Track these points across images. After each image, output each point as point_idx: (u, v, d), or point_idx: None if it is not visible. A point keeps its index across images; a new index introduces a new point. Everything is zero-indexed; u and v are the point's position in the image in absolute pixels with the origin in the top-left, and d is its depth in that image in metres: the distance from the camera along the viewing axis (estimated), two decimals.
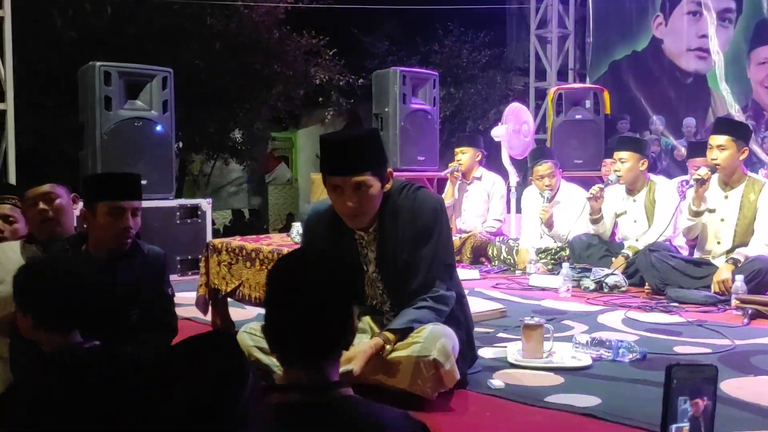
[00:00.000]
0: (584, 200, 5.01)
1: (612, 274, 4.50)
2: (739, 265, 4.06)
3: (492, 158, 6.36)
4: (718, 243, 4.33)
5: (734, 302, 3.82)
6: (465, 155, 5.91)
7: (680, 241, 4.77)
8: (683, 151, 8.32)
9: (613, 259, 4.75)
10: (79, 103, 5.34)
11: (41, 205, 3.06)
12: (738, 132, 4.29)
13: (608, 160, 5.95)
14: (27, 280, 1.93)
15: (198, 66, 10.14)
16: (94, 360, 1.87)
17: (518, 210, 5.97)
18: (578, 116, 7.30)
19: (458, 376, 2.35)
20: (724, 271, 4.06)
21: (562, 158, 6.26)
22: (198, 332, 1.27)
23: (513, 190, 6.38)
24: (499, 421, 2.24)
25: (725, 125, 4.46)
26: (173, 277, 4.17)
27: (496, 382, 2.56)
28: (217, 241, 3.84)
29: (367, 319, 2.59)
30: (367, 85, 8.29)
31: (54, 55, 9.21)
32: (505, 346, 3.01)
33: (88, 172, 5.05)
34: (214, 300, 3.72)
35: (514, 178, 6.42)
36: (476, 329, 2.80)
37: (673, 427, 1.35)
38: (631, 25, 9.23)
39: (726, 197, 4.30)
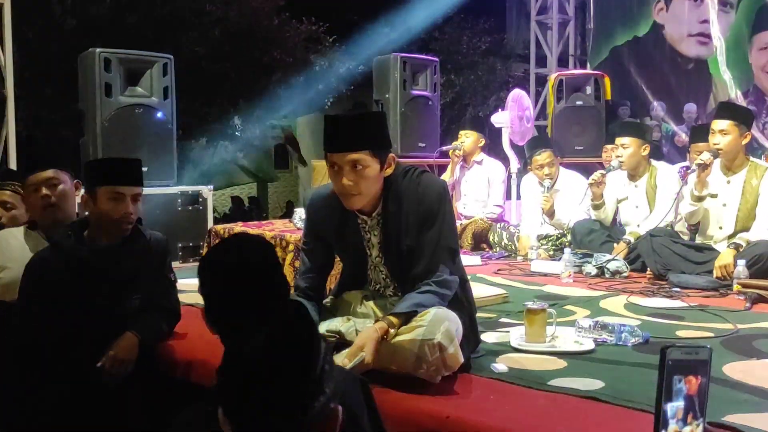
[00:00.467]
0: (584, 187, 5.00)
1: (614, 259, 4.50)
2: (741, 250, 4.06)
3: (492, 145, 6.35)
4: (720, 228, 4.33)
5: (736, 287, 3.82)
6: (469, 138, 5.91)
7: (681, 227, 4.76)
8: (684, 137, 8.31)
9: (615, 244, 4.75)
10: (79, 90, 5.32)
11: (44, 191, 3.06)
12: (740, 116, 4.28)
13: (609, 146, 5.94)
14: None
15: (198, 53, 10.11)
16: None
17: (518, 197, 5.97)
18: (579, 102, 7.27)
19: (462, 360, 2.35)
20: (725, 256, 4.06)
21: (563, 145, 6.25)
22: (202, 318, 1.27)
23: (513, 176, 6.38)
24: (503, 405, 2.24)
25: (728, 110, 4.45)
26: (175, 264, 4.17)
27: (500, 366, 2.56)
28: (219, 227, 3.85)
29: (370, 304, 2.60)
30: (368, 72, 8.27)
31: (54, 43, 9.18)
32: (508, 331, 3.00)
33: (89, 159, 5.04)
34: None
35: (514, 164, 6.41)
36: (479, 314, 2.80)
37: (668, 405, 1.36)
38: (632, 11, 9.20)
39: (728, 182, 4.29)
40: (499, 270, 4.73)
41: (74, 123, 5.64)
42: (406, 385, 2.26)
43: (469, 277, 2.72)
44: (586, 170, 5.47)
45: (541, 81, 9.63)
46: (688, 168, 4.52)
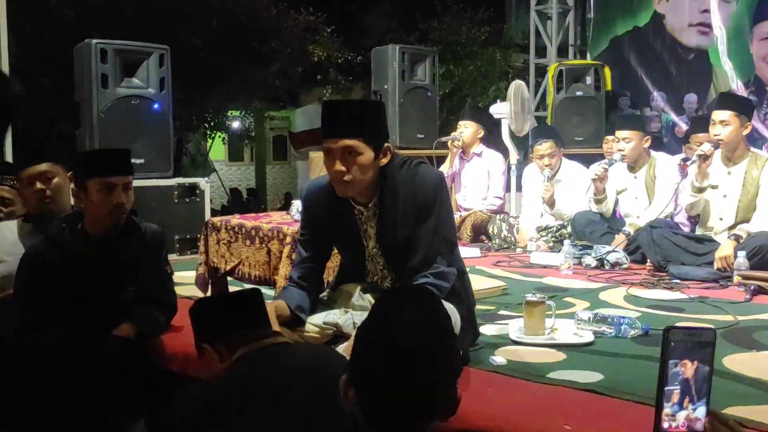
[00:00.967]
0: (585, 178, 4.97)
1: (613, 251, 4.48)
2: (741, 242, 4.04)
3: (490, 136, 6.32)
4: (721, 219, 4.31)
5: (736, 278, 3.80)
6: (468, 129, 5.87)
7: (682, 218, 4.74)
8: (684, 127, 8.27)
9: (615, 236, 4.73)
10: (75, 81, 5.29)
11: (38, 185, 3.05)
12: (741, 107, 4.26)
13: (609, 137, 5.90)
14: None
15: (195, 44, 10.07)
16: None
17: (518, 188, 5.94)
18: (579, 93, 7.24)
19: (460, 352, 2.33)
20: (726, 248, 4.04)
21: (563, 135, 6.21)
22: None
23: (513, 168, 6.34)
24: (502, 397, 2.23)
25: (728, 100, 4.43)
26: (172, 257, 4.15)
27: (498, 358, 2.55)
28: (216, 219, 3.82)
29: (368, 296, 2.58)
30: (366, 63, 8.23)
31: (50, 34, 9.14)
32: (507, 323, 2.99)
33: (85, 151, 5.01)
34: (214, 279, 3.70)
35: (514, 155, 6.37)
36: (477, 306, 2.78)
37: (666, 389, 1.33)
38: (632, 0, 9.13)
39: (729, 173, 4.27)
40: (498, 262, 4.71)
41: (71, 114, 5.60)
42: None
43: (467, 269, 2.70)
44: (585, 161, 5.44)
45: (541, 71, 9.57)
46: (687, 159, 4.49)
